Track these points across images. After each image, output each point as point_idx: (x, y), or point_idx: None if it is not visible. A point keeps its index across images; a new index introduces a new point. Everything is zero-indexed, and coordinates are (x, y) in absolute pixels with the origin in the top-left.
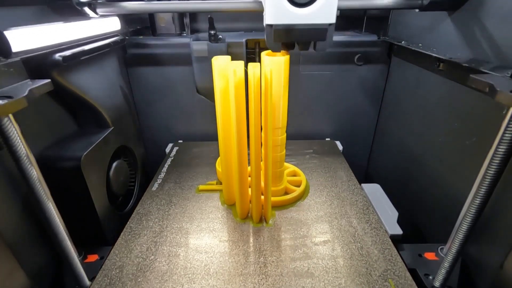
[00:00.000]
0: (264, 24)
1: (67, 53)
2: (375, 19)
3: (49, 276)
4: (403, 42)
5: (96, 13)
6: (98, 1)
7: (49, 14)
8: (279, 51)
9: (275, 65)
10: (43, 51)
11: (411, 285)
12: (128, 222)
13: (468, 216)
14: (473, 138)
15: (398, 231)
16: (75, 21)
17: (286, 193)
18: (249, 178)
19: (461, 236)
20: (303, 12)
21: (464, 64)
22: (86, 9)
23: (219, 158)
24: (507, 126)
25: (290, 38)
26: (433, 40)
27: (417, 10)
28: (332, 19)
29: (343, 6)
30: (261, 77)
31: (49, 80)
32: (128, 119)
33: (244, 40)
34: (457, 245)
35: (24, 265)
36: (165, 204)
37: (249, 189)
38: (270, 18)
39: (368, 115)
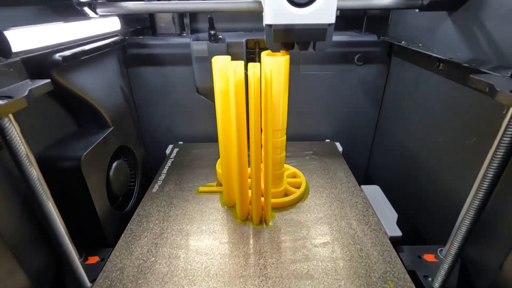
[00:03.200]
0: (264, 24)
1: (67, 53)
2: (375, 19)
3: (50, 278)
4: (403, 42)
5: (96, 13)
6: (98, 1)
7: (49, 14)
8: (279, 51)
9: (275, 65)
10: (43, 51)
11: (411, 287)
12: (128, 224)
13: (467, 218)
14: (473, 138)
15: (398, 233)
16: (75, 21)
17: (286, 194)
18: (249, 180)
19: (460, 237)
20: (303, 12)
21: (464, 64)
22: (86, 9)
23: (219, 160)
24: (507, 126)
25: (289, 38)
26: (433, 40)
27: (417, 10)
28: (332, 19)
29: (343, 6)
30: (261, 77)
31: (49, 80)
32: (128, 119)
33: (244, 40)
34: (456, 247)
35: (24, 266)
36: (165, 206)
37: (249, 191)
38: (269, 18)
39: (368, 116)
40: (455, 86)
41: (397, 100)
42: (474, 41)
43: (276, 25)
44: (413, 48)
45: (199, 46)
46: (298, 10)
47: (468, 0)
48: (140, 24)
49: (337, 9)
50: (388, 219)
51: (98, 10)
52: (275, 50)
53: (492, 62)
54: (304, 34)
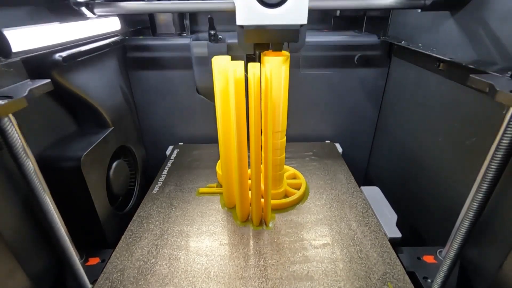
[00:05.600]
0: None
1: (67, 53)
2: (375, 19)
3: (50, 279)
4: (403, 42)
5: (93, 13)
6: (96, 1)
7: (46, 14)
8: (252, 52)
9: (275, 65)
10: (43, 51)
11: None
12: (129, 225)
13: (466, 219)
14: (473, 138)
15: (397, 234)
16: (75, 21)
17: (286, 196)
18: (249, 181)
19: (460, 239)
20: (274, 13)
21: (464, 64)
22: (84, 9)
23: (219, 161)
24: (507, 126)
25: (261, 39)
26: (433, 40)
27: (419, 10)
28: (303, 20)
29: (343, 6)
30: (261, 77)
31: (49, 80)
32: (128, 119)
33: None
34: (455, 248)
35: (25, 266)
36: (165, 207)
37: (249, 192)
38: (240, 18)
39: (367, 117)
40: (455, 86)
41: (397, 101)
42: (475, 41)
43: (247, 26)
44: (413, 48)
45: (199, 46)
46: (269, 10)
47: (471, 0)
48: (140, 24)
49: (338, 9)
50: (388, 220)
51: (96, 10)
52: (248, 51)
53: (498, 63)
54: (276, 35)
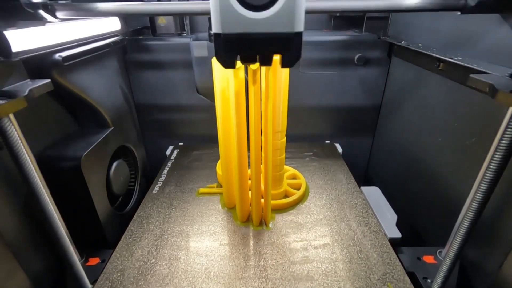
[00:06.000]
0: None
1: (67, 53)
2: (375, 19)
3: (50, 279)
4: (403, 42)
5: (55, 16)
6: (59, 1)
7: None
8: (234, 67)
9: (275, 65)
10: (43, 51)
11: None
12: (129, 225)
13: (466, 219)
14: (473, 138)
15: (397, 234)
16: (75, 21)
17: (286, 196)
18: (249, 181)
19: (460, 239)
20: (260, 17)
21: (464, 64)
22: (42, 13)
23: (219, 161)
24: (507, 126)
25: (246, 50)
26: (433, 40)
27: (458, 13)
28: (299, 27)
29: (368, 8)
30: (261, 77)
31: (49, 80)
32: (128, 119)
33: None
34: (455, 248)
35: (25, 267)
36: (165, 207)
37: (249, 192)
38: (217, 25)
39: (367, 117)
40: (455, 86)
41: (397, 101)
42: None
43: (226, 34)
44: (413, 48)
45: (199, 46)
46: (254, 14)
47: None
48: (140, 24)
49: (362, 11)
50: (388, 220)
51: (58, 14)
52: (228, 65)
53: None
54: (263, 44)
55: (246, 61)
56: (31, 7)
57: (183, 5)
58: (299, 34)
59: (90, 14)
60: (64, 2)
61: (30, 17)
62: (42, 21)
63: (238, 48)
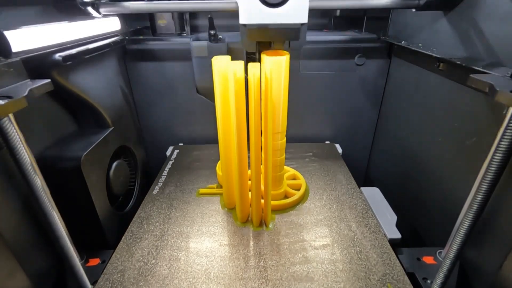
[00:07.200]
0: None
1: (67, 53)
2: (375, 19)
3: (51, 280)
4: (403, 42)
5: (99, 12)
6: (102, 0)
7: (54, 13)
8: (254, 50)
9: (275, 65)
10: (43, 51)
11: None
12: (129, 226)
13: (466, 220)
14: (473, 138)
15: (397, 235)
16: (76, 21)
17: (286, 196)
18: (249, 182)
19: (459, 239)
20: (276, 12)
21: (464, 64)
22: (90, 9)
23: (219, 162)
24: (507, 126)
25: (263, 37)
26: (433, 40)
27: (413, 10)
28: (304, 19)
29: (341, 6)
30: (261, 78)
31: (49, 80)
32: (128, 119)
33: None
34: (455, 249)
35: (25, 267)
36: (166, 208)
37: (249, 193)
38: (243, 17)
39: (367, 117)
40: (455, 86)
41: (397, 101)
42: (471, 40)
43: (250, 25)
44: (413, 48)
45: (199, 46)
46: (271, 10)
47: (463, 0)
48: (140, 24)
49: (337, 9)
50: (388, 221)
51: (101, 10)
52: (250, 49)
53: (484, 60)
54: (278, 33)
55: (262, 46)
56: (83, 5)
57: (212, 4)
58: (305, 25)
59: (126, 10)
60: (105, 1)
61: (81, 13)
62: (89, 16)
63: (258, 35)
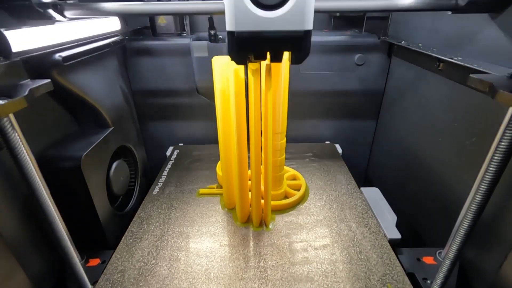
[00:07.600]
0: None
1: (67, 53)
2: (375, 19)
3: (51, 280)
4: (403, 42)
5: (64, 16)
6: (67, 1)
7: (5, 18)
8: (245, 64)
9: (275, 65)
10: (43, 51)
11: None
12: (129, 226)
13: (466, 220)
14: (473, 138)
15: (397, 235)
16: (75, 21)
17: (286, 197)
18: (249, 182)
19: (459, 240)
20: (272, 16)
21: (464, 64)
22: (51, 12)
23: (219, 162)
24: (507, 127)
25: (257, 48)
26: (433, 40)
27: (449, 13)
28: (309, 25)
29: (364, 8)
30: (261, 78)
31: (49, 80)
32: (128, 119)
33: None
34: (455, 249)
35: (25, 267)
36: (166, 208)
37: (249, 193)
38: (231, 23)
39: (367, 117)
40: (455, 86)
41: (397, 101)
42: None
43: (239, 32)
44: (413, 48)
45: (199, 46)
46: (266, 13)
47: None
48: (140, 24)
49: (360, 11)
50: (388, 221)
51: (66, 13)
52: (240, 62)
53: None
54: (275, 43)
55: (258, 58)
56: (41, 6)
57: (196, 4)
58: (309, 32)
59: (97, 13)
60: (72, 2)
61: (40, 16)
62: (51, 20)
63: (251, 45)
